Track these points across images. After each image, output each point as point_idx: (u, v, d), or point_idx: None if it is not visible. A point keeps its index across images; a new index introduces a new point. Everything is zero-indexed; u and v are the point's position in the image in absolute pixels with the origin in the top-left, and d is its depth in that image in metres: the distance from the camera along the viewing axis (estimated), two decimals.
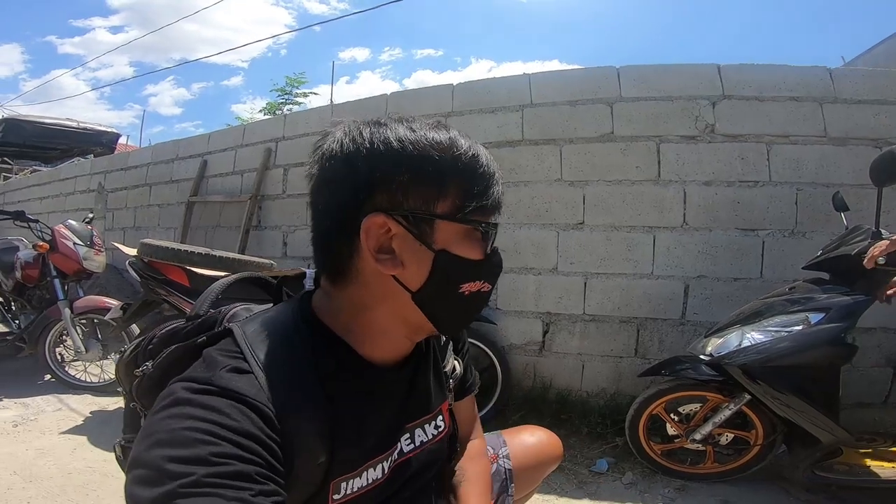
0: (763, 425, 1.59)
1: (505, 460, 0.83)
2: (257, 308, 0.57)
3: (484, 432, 0.84)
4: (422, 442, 0.59)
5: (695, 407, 1.68)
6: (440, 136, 0.47)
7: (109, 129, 6.87)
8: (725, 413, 1.59)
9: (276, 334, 0.48)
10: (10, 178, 8.77)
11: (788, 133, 2.04)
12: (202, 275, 2.05)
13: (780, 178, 2.03)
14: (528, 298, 2.28)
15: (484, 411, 2.08)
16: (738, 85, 2.10)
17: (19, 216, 2.61)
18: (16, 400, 2.34)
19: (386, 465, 0.54)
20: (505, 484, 0.81)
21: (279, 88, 9.52)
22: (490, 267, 0.51)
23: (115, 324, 2.42)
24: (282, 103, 9.35)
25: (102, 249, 2.67)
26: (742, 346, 1.49)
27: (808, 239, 1.99)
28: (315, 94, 10.03)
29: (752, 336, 1.50)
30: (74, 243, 2.51)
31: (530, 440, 0.89)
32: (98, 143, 6.65)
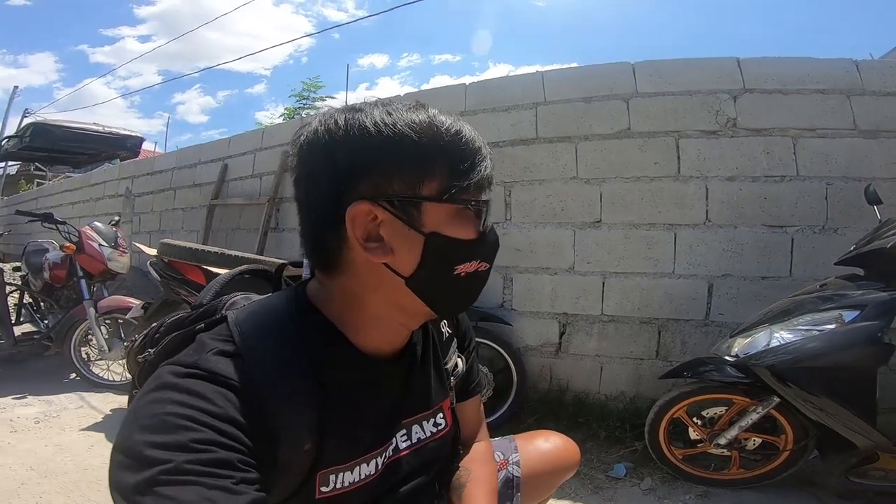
0: (793, 429, 1.51)
1: (514, 467, 0.79)
2: (258, 297, 0.56)
3: (498, 435, 0.80)
4: (419, 439, 0.57)
5: (719, 410, 1.61)
6: (418, 116, 0.45)
7: (134, 133, 7.06)
8: (753, 417, 1.51)
9: (268, 320, 0.48)
10: (43, 184, 9.14)
11: (815, 126, 1.96)
12: (219, 274, 2.09)
13: (808, 172, 1.95)
14: (544, 299, 2.24)
15: (499, 414, 2.05)
16: (759, 78, 2.03)
17: (47, 218, 2.71)
18: (40, 397, 2.41)
19: (380, 461, 0.52)
20: (511, 492, 0.76)
21: (297, 94, 9.72)
22: (485, 245, 0.49)
23: (136, 322, 2.48)
24: (300, 108, 9.52)
25: (126, 250, 2.74)
26: (770, 347, 1.41)
27: (840, 235, 1.90)
28: (333, 98, 10.19)
29: (782, 335, 1.42)
30: (99, 244, 2.59)
31: (545, 446, 0.85)
32: (123, 146, 6.85)
